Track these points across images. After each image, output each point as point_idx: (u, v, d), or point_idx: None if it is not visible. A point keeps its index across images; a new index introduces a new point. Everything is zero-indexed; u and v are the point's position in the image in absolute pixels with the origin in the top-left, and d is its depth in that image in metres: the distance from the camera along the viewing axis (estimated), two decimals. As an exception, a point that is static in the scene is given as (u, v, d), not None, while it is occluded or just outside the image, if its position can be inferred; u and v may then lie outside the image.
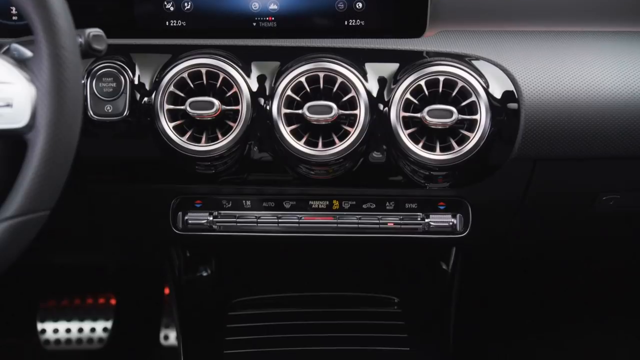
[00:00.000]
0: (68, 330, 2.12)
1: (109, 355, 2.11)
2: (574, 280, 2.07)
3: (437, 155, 1.20)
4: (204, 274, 1.61)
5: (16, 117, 0.95)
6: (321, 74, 1.20)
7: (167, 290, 2.18)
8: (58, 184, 0.98)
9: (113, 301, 2.17)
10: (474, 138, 1.20)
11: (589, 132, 1.21)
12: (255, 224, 1.35)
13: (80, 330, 2.13)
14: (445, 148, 1.21)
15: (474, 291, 1.93)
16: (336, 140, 1.21)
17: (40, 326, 2.13)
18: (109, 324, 2.14)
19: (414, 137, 1.21)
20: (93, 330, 2.13)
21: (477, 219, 1.33)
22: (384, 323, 1.48)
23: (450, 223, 1.34)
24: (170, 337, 2.13)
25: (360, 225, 1.35)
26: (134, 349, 2.15)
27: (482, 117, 1.19)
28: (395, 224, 1.34)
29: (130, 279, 2.21)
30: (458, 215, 1.34)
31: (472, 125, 1.20)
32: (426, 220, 1.34)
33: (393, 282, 1.59)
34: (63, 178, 0.98)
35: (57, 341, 2.12)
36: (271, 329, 1.46)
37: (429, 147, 1.21)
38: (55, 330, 2.12)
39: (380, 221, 1.34)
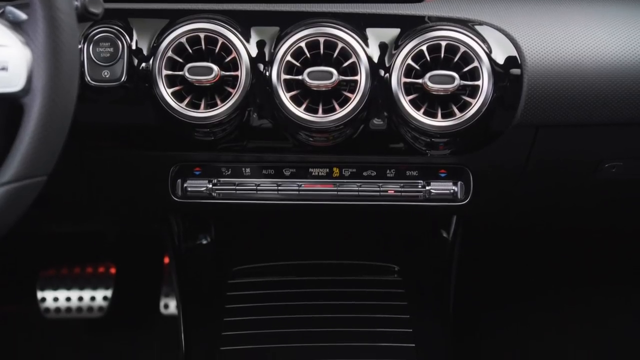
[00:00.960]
0: (68, 299, 2.13)
1: (109, 324, 2.11)
2: (573, 247, 2.08)
3: (438, 122, 1.19)
4: (204, 242, 1.61)
5: (12, 81, 0.94)
6: (321, 39, 1.18)
7: (166, 259, 2.18)
8: (55, 149, 0.97)
9: (113, 270, 2.17)
10: (476, 104, 1.18)
11: (593, 98, 1.20)
12: (255, 192, 1.34)
13: (80, 298, 2.13)
14: (447, 114, 1.20)
15: (474, 259, 1.93)
16: (336, 106, 1.19)
17: (40, 294, 2.13)
18: (108, 293, 2.14)
19: (415, 104, 1.20)
20: (93, 298, 2.13)
21: (478, 186, 1.32)
22: (384, 291, 1.47)
23: (451, 190, 1.33)
24: (170, 305, 2.13)
25: (360, 193, 1.34)
26: (134, 317, 2.15)
27: (485, 83, 1.18)
28: (395, 191, 1.34)
29: (129, 247, 2.21)
30: (459, 183, 1.33)
31: (474, 92, 1.19)
32: (427, 188, 1.33)
33: (393, 250, 1.58)
34: (60, 143, 0.97)
35: (57, 309, 2.12)
36: (271, 296, 1.46)
37: (430, 114, 1.20)
38: (55, 299, 2.13)
39: (381, 189, 1.33)
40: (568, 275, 2.09)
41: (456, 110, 1.19)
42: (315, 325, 1.39)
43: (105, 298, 2.14)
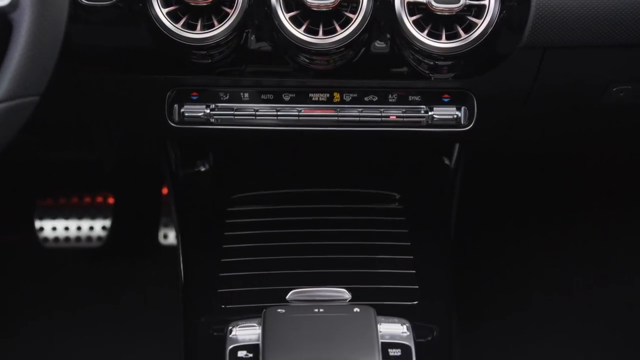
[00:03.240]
0: (66, 229, 2.12)
1: (107, 254, 2.11)
2: (575, 176, 2.07)
3: (442, 44, 1.16)
4: (202, 169, 1.59)
5: (-2, -5, 0.90)
6: None
7: (165, 190, 2.17)
8: (46, 67, 0.94)
9: (111, 200, 2.16)
10: (482, 25, 1.15)
11: (603, 17, 1.16)
12: (254, 117, 1.32)
13: (79, 228, 2.13)
14: (452, 36, 1.16)
15: (476, 186, 1.92)
16: (337, 27, 1.16)
17: (38, 224, 2.12)
18: (107, 223, 2.13)
19: (419, 25, 1.16)
20: (91, 228, 2.13)
21: (482, 111, 1.30)
22: (385, 219, 1.46)
23: (455, 116, 1.30)
24: (169, 235, 2.13)
25: (361, 119, 1.31)
26: (133, 247, 2.15)
27: (491, 3, 1.14)
28: (397, 116, 1.31)
29: (128, 178, 2.20)
30: (463, 108, 1.30)
31: (480, 11, 1.15)
32: (430, 113, 1.30)
33: (394, 178, 1.57)
34: (51, 61, 0.94)
35: (56, 239, 2.12)
36: (270, 224, 1.45)
37: (435, 35, 1.16)
38: (54, 228, 2.12)
39: (383, 114, 1.31)
40: (568, 202, 2.09)
41: (461, 32, 1.16)
42: (314, 252, 1.38)
43: (104, 228, 2.13)
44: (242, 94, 1.31)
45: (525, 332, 1.86)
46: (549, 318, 1.89)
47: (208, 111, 1.31)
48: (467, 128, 1.31)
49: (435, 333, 1.30)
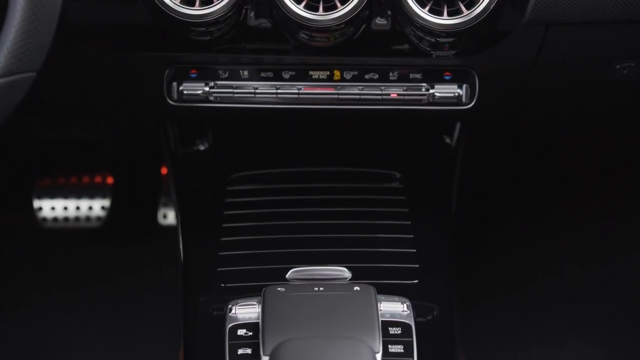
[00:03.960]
0: (65, 208, 2.11)
1: (106, 234, 2.11)
2: (577, 155, 2.07)
3: (444, 20, 1.14)
4: (201, 148, 1.58)
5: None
6: None
7: (164, 170, 2.16)
8: (43, 43, 0.93)
9: (110, 180, 2.15)
10: (484, 1, 1.13)
11: None
12: (253, 95, 1.31)
13: (78, 208, 2.12)
14: (453, 12, 1.15)
15: (477, 166, 1.91)
16: (338, 4, 1.14)
17: (36, 204, 2.11)
18: (106, 203, 2.12)
19: (420, 1, 1.15)
20: (90, 208, 2.12)
21: (484, 89, 1.28)
22: (385, 198, 1.45)
23: (456, 94, 1.29)
24: (168, 215, 2.12)
25: (362, 97, 1.30)
26: (132, 228, 2.15)
27: None
28: (398, 94, 1.30)
29: (127, 158, 2.19)
30: (464, 86, 1.29)
31: (482, -14, 1.14)
32: (431, 91, 1.29)
33: (395, 157, 1.56)
34: (48, 37, 0.93)
35: (55, 219, 2.11)
36: (270, 203, 1.44)
37: (436, 12, 1.15)
38: (52, 208, 2.11)
39: (383, 92, 1.30)
40: (570, 182, 2.09)
41: (463, 8, 1.14)
42: (315, 232, 1.37)
43: (103, 208, 2.12)
44: (241, 71, 1.30)
45: (525, 312, 1.86)
46: (549, 298, 1.90)
47: (207, 89, 1.30)
48: (469, 106, 1.30)
49: (435, 312, 1.30)
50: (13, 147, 2.03)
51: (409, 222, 1.40)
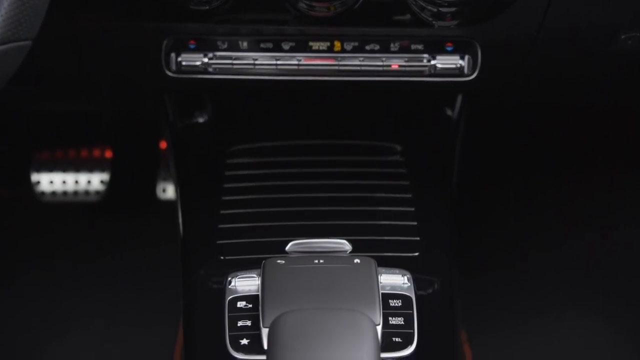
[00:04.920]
0: (64, 182, 2.10)
1: (106, 209, 2.10)
2: (579, 130, 2.06)
3: None
4: (200, 120, 1.57)
5: None
6: None
7: (163, 144, 2.15)
8: (38, 11, 0.91)
9: (109, 154, 2.14)
10: None
11: None
12: (253, 67, 1.29)
13: (77, 182, 2.11)
14: (456, -19, 1.13)
15: (479, 139, 1.90)
16: None
17: (34, 177, 2.10)
18: (105, 177, 2.11)
19: None
20: (89, 182, 2.11)
21: (486, 60, 1.27)
22: (386, 171, 1.44)
23: (458, 65, 1.27)
24: (167, 189, 2.12)
25: (362, 68, 1.29)
26: (132, 202, 2.14)
27: None
28: (400, 66, 1.28)
29: (126, 131, 2.17)
30: (466, 57, 1.28)
31: (485, -45, 1.12)
32: (432, 62, 1.28)
33: (396, 130, 1.54)
34: (43, 5, 0.92)
35: (53, 193, 2.10)
36: (270, 176, 1.43)
37: (438, -20, 1.14)
38: (51, 182, 2.10)
39: (384, 63, 1.28)
40: (572, 155, 2.08)
41: (465, -24, 1.13)
42: (315, 204, 1.36)
43: (102, 182, 2.11)
44: (240, 42, 1.28)
45: (526, 284, 1.86)
46: (550, 270, 1.89)
47: (206, 60, 1.28)
48: (471, 77, 1.29)
49: (436, 285, 1.29)
50: (10, 120, 2.02)
51: (410, 195, 1.39)
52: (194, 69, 1.29)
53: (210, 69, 1.29)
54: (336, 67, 1.29)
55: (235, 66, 1.29)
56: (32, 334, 1.78)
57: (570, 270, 1.89)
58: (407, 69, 1.28)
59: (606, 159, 2.06)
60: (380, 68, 1.28)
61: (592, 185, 2.04)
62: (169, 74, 1.30)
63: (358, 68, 1.29)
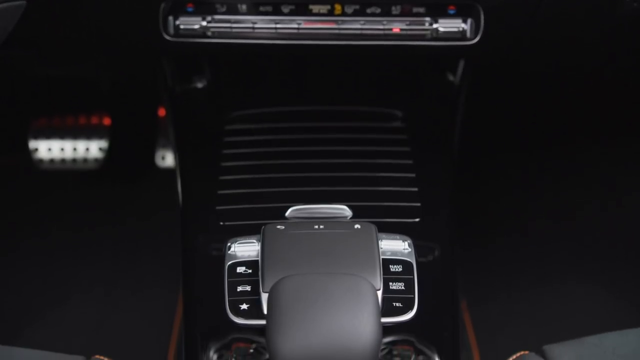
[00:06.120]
0: (62, 149, 2.09)
1: (104, 176, 2.09)
2: (581, 96, 2.04)
3: None
4: (199, 85, 1.55)
5: None
6: None
7: (162, 111, 2.14)
8: None
9: (107, 121, 2.13)
10: None
11: None
12: (252, 30, 1.28)
13: (75, 149, 2.10)
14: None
15: (481, 105, 1.89)
16: None
17: (32, 144, 2.09)
18: (103, 144, 2.10)
19: None
20: (88, 149, 2.10)
21: (489, 24, 1.25)
22: (387, 137, 1.43)
23: (460, 28, 1.26)
24: (167, 157, 2.10)
25: (363, 32, 1.27)
26: (131, 170, 2.13)
27: None
28: (401, 29, 1.27)
29: (124, 98, 2.16)
30: (469, 20, 1.26)
31: None
32: (434, 26, 1.26)
33: (397, 96, 1.53)
34: None
35: (51, 160, 2.09)
36: (269, 142, 1.42)
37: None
38: (49, 149, 2.09)
39: (386, 27, 1.26)
40: (571, 125, 2.07)
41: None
42: (315, 170, 1.35)
43: (100, 149, 2.10)
44: (239, 5, 1.26)
45: (525, 253, 1.86)
46: (550, 238, 1.89)
47: (204, 24, 1.27)
48: (473, 41, 1.27)
49: (436, 252, 1.28)
50: (8, 86, 2.00)
51: (411, 161, 1.37)
52: (192, 33, 1.27)
53: (208, 33, 1.28)
54: (336, 31, 1.27)
55: (234, 30, 1.27)
56: (32, 300, 1.78)
57: (570, 238, 1.89)
58: (409, 32, 1.27)
59: (610, 128, 2.05)
60: (381, 32, 1.27)
61: (592, 154, 2.04)
62: (167, 37, 1.28)
63: (359, 32, 1.27)
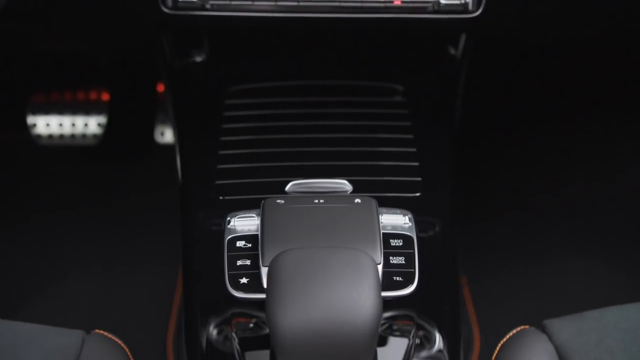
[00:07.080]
0: (60, 125, 2.08)
1: (103, 152, 2.08)
2: (584, 71, 2.03)
3: None
4: (198, 59, 1.54)
5: None
6: None
7: (161, 87, 2.12)
8: None
9: (106, 96, 2.11)
10: None
11: None
12: (251, 3, 1.26)
13: (73, 125, 2.08)
14: None
15: (482, 79, 1.87)
16: None
17: (30, 120, 2.08)
18: (102, 120, 2.09)
19: None
20: (86, 125, 2.09)
21: None
22: (388, 112, 1.42)
23: (462, 1, 1.24)
24: (166, 133, 2.09)
25: (364, 4, 1.25)
26: (130, 145, 2.12)
27: None
28: (402, 1, 1.25)
29: (123, 74, 2.14)
30: None
31: None
32: None
33: (398, 70, 1.52)
34: None
35: (50, 136, 2.08)
36: (269, 117, 1.41)
37: None
38: (47, 125, 2.08)
39: None
40: (572, 100, 2.06)
41: None
42: (315, 145, 1.34)
43: (99, 125, 2.09)
44: None
45: (526, 228, 1.85)
46: (550, 214, 1.89)
47: None
48: (475, 14, 1.25)
49: (437, 227, 1.28)
50: (6, 62, 1.99)
51: (411, 136, 1.37)
52: (190, 6, 1.26)
53: (207, 6, 1.27)
54: (337, 4, 1.26)
55: (233, 2, 1.26)
56: (32, 276, 1.78)
57: (571, 214, 1.88)
58: (410, 5, 1.25)
59: (611, 104, 2.03)
60: (382, 4, 1.25)
61: (592, 130, 2.03)
62: (165, 10, 1.27)
63: (359, 4, 1.26)
